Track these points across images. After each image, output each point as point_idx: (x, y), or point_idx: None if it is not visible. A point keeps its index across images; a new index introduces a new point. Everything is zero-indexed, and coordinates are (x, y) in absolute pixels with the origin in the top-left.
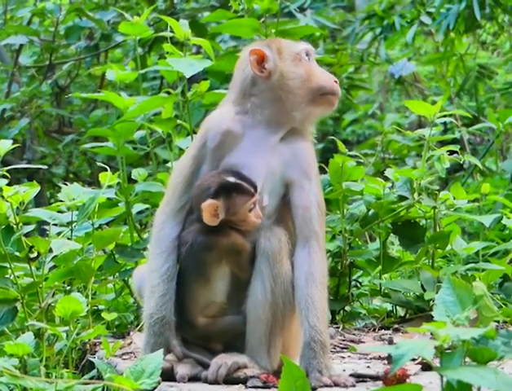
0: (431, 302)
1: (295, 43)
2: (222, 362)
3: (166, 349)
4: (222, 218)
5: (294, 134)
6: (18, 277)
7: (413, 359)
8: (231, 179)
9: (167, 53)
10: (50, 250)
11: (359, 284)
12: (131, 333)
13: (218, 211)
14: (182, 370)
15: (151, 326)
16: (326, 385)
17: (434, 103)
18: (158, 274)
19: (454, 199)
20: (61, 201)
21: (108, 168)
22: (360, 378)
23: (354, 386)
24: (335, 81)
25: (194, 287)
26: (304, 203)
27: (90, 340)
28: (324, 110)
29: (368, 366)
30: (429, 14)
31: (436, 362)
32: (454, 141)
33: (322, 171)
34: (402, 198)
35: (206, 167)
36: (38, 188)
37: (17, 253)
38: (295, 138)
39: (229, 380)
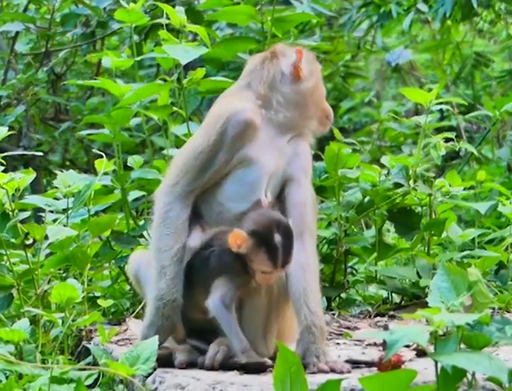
0: (427, 289)
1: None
2: (219, 347)
3: (171, 332)
4: (242, 253)
5: (297, 135)
6: (14, 264)
7: (408, 346)
8: (276, 238)
9: (163, 40)
10: (46, 237)
11: (354, 271)
12: (127, 320)
13: (241, 245)
14: (180, 356)
15: (159, 308)
16: (323, 371)
17: (430, 90)
18: (169, 254)
19: (450, 186)
20: (57, 188)
21: (104, 155)
22: (355, 364)
23: (349, 372)
24: None
25: (196, 290)
26: (302, 199)
27: (85, 326)
28: (319, 130)
29: (364, 353)
30: (425, 1)
31: (431, 349)
32: (450, 128)
33: (318, 158)
34: (398, 185)
35: (222, 154)
36: (34, 175)
37: (13, 240)
38: (297, 138)
39: (225, 365)
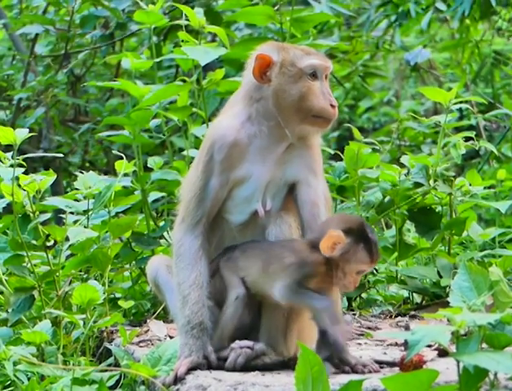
0: (448, 289)
1: (305, 56)
2: (242, 351)
3: (203, 353)
4: (334, 256)
5: (297, 141)
6: (35, 265)
7: (430, 346)
8: (369, 233)
9: (182, 41)
10: (67, 238)
11: (375, 271)
12: (148, 321)
13: (337, 246)
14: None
15: (189, 331)
16: (344, 372)
17: (449, 89)
18: (187, 284)
19: (470, 185)
20: (77, 189)
21: (123, 156)
22: (377, 364)
23: (370, 372)
24: (332, 106)
25: None
26: (312, 198)
27: (107, 327)
28: (315, 130)
29: (385, 353)
30: (444, 0)
31: (453, 348)
32: (470, 127)
33: (338, 158)
34: (418, 185)
35: (215, 180)
36: (54, 177)
37: (34, 242)
38: (298, 144)
39: (246, 366)
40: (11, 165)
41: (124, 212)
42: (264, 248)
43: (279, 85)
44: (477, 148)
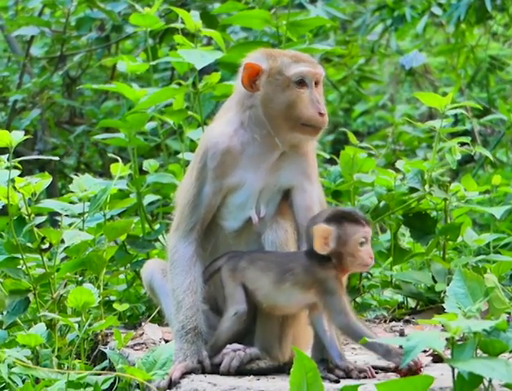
0: (442, 294)
1: (293, 64)
2: (235, 354)
3: (197, 358)
4: (332, 248)
5: (290, 149)
6: (30, 268)
7: (425, 351)
8: (347, 209)
9: (178, 44)
10: (62, 241)
11: (370, 276)
12: (143, 324)
13: (329, 238)
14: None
15: (183, 336)
16: (338, 377)
17: (444, 94)
18: (181, 289)
19: (465, 190)
20: (73, 192)
21: (119, 159)
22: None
23: (366, 378)
24: (321, 114)
25: None
26: (307, 203)
27: (101, 330)
28: (306, 138)
29: (380, 358)
30: (440, 5)
31: (447, 354)
32: (465, 132)
33: (333, 162)
34: (413, 189)
35: (208, 187)
36: (50, 179)
37: (29, 244)
38: (290, 151)
39: (240, 371)
40: (7, 167)
41: (119, 215)
42: (273, 259)
43: (266, 95)
44: (472, 153)
